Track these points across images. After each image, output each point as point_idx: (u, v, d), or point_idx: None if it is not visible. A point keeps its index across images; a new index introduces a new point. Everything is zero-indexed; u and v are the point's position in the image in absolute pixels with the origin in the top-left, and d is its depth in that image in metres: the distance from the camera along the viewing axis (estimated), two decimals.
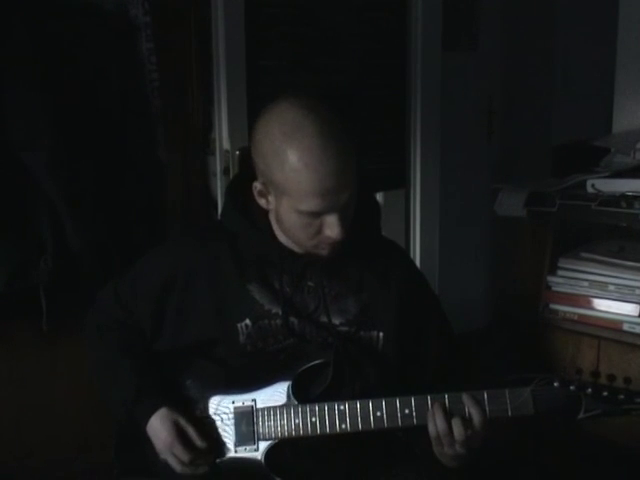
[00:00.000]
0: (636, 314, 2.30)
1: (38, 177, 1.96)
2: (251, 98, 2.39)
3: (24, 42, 1.91)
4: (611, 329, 2.34)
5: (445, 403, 1.41)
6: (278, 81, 2.48)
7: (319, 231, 1.44)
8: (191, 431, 1.47)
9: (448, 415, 1.40)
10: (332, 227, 1.43)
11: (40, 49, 1.93)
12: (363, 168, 2.65)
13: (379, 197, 2.84)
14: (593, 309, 2.39)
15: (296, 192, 1.40)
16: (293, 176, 1.39)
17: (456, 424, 1.39)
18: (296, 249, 1.53)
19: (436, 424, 1.40)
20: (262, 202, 1.50)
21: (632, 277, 2.31)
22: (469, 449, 1.41)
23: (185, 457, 1.45)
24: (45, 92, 1.94)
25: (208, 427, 1.50)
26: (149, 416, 1.49)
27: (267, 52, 2.46)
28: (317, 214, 1.42)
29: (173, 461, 1.47)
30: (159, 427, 1.48)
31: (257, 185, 1.48)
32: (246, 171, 1.53)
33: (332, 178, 1.37)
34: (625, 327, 2.31)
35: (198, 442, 1.47)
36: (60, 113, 1.96)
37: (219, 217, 1.76)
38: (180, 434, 1.47)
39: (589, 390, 1.37)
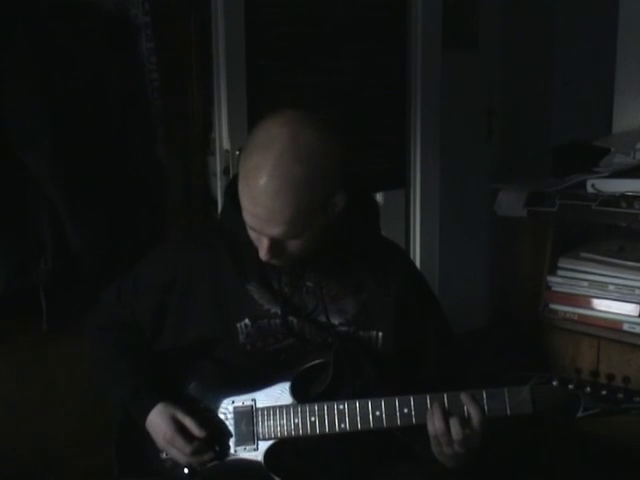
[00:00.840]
0: (636, 314, 2.30)
1: (38, 177, 1.96)
2: (251, 98, 2.39)
3: (24, 42, 1.91)
4: (611, 329, 2.34)
5: (444, 402, 1.41)
6: (278, 81, 2.48)
7: (256, 240, 1.45)
8: (189, 421, 1.48)
9: (446, 414, 1.40)
10: (260, 247, 1.44)
11: (40, 49, 1.93)
12: (363, 168, 2.68)
13: (379, 197, 2.84)
14: (593, 309, 2.38)
15: (240, 196, 1.41)
16: (241, 181, 1.40)
17: (454, 423, 1.39)
18: None
19: (434, 423, 1.40)
20: None
21: (632, 277, 2.31)
22: (468, 448, 1.41)
23: (187, 448, 1.46)
24: (45, 92, 1.94)
25: (207, 424, 1.50)
26: (147, 413, 1.50)
27: (267, 52, 2.46)
28: (250, 226, 1.43)
29: (176, 454, 1.48)
30: (158, 422, 1.49)
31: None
32: None
33: (261, 210, 1.37)
34: (625, 327, 2.32)
35: (196, 431, 1.47)
36: (60, 113, 1.96)
37: (218, 217, 1.77)
38: (179, 427, 1.47)
39: (588, 389, 1.37)
